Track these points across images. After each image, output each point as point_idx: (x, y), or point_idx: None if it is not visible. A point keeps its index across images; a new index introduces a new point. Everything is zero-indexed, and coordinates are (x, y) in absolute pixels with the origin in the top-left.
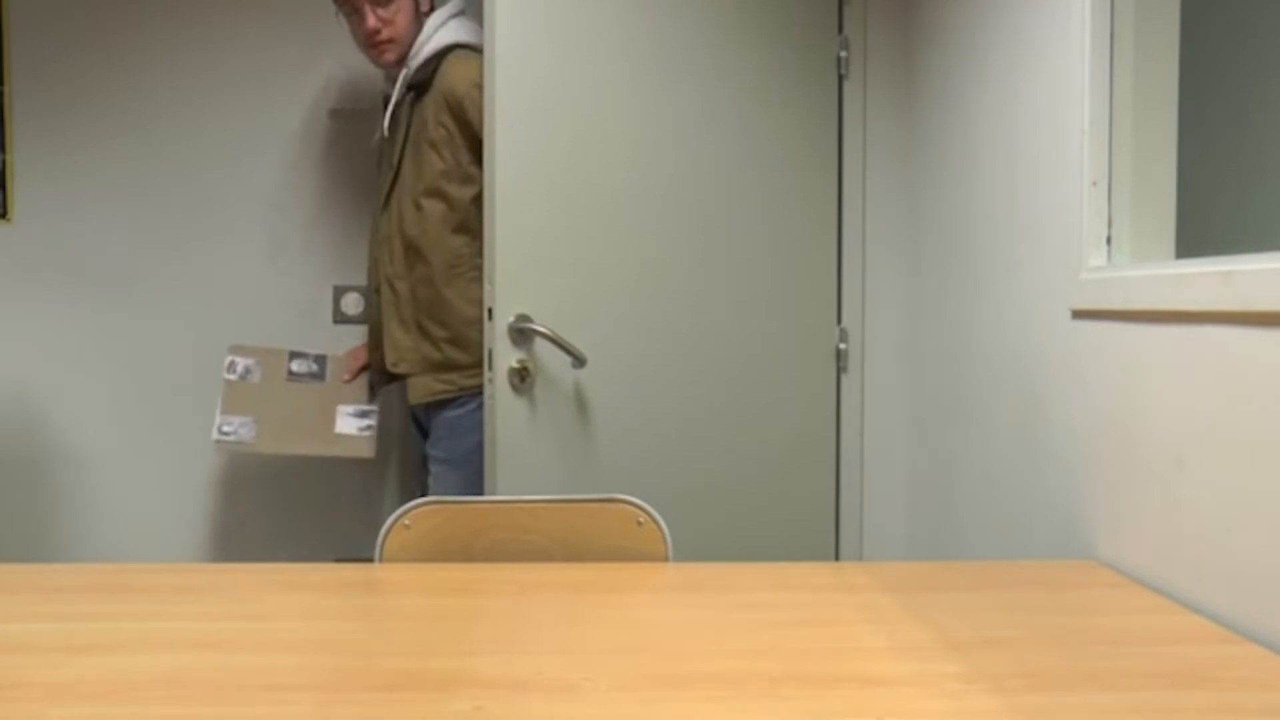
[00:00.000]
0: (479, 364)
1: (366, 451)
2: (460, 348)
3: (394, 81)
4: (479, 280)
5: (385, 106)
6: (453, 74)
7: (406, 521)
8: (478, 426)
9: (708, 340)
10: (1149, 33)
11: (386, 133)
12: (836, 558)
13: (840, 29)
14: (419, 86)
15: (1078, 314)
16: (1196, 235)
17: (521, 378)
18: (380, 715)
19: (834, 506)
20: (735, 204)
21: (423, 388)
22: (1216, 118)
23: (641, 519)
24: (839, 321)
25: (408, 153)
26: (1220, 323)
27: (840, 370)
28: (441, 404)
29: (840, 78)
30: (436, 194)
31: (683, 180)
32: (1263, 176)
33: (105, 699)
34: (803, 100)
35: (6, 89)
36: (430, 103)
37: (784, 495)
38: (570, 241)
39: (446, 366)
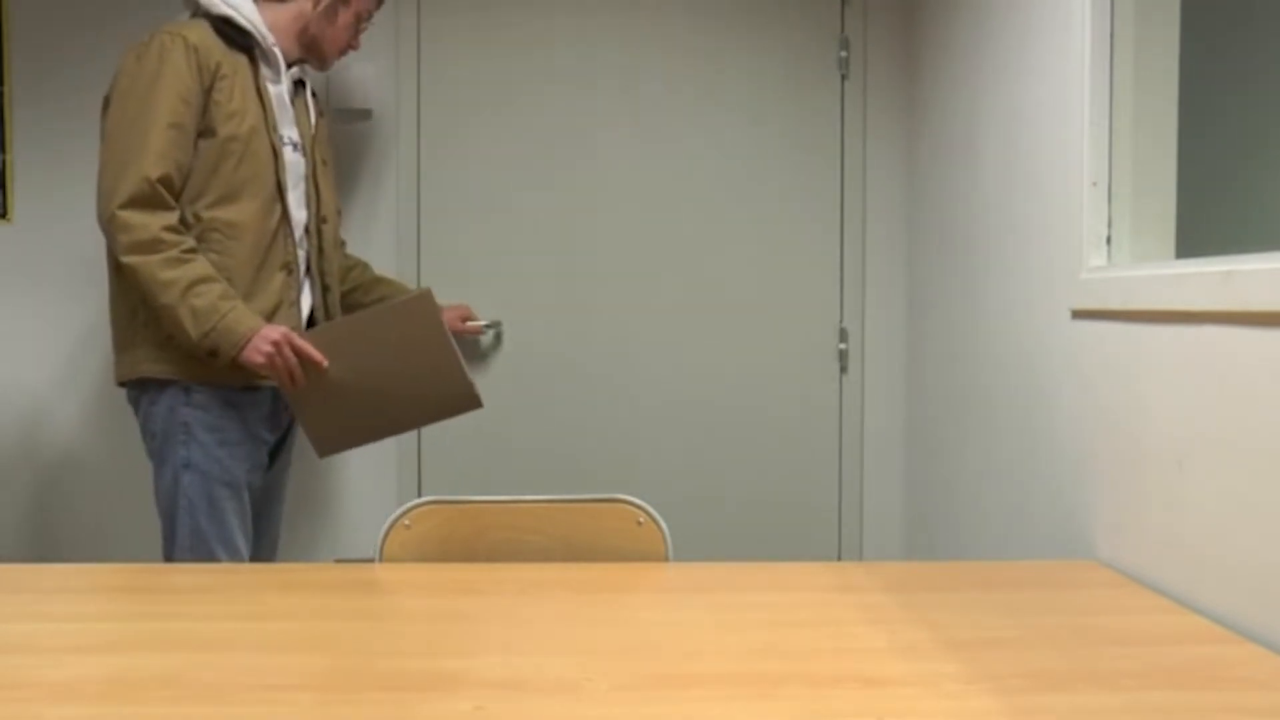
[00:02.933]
0: None
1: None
2: None
3: (268, 64)
4: None
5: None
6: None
7: (406, 521)
8: None
9: (708, 341)
10: (1149, 33)
11: (314, 127)
12: (837, 557)
13: (840, 29)
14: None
15: (1078, 314)
16: (1196, 235)
17: None
18: (380, 715)
19: (834, 506)
20: (736, 204)
21: None
22: (1216, 118)
23: (641, 519)
24: (839, 321)
25: (327, 159)
26: (1220, 323)
27: (840, 370)
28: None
29: (841, 78)
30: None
31: (683, 180)
32: (1263, 176)
33: (105, 699)
34: (803, 100)
35: (6, 89)
36: (326, 119)
37: (784, 495)
38: (553, 241)
39: None
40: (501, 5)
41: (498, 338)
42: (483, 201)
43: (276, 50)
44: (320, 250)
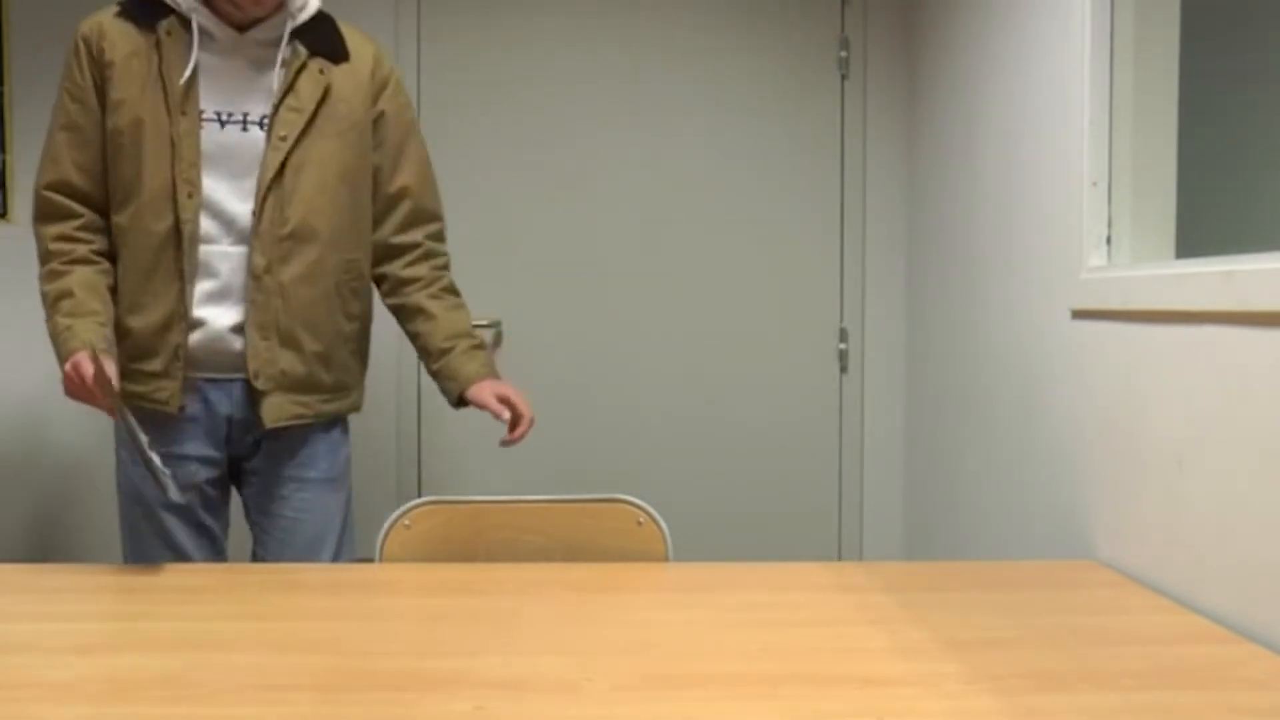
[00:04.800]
0: (342, 388)
1: (176, 496)
2: (325, 366)
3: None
4: (364, 292)
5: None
6: (380, 54)
7: (406, 522)
8: (347, 440)
9: (708, 341)
10: (1149, 33)
11: (279, 95)
12: (837, 557)
13: (840, 29)
14: (317, 51)
15: (1078, 314)
16: (1196, 235)
17: None
18: (380, 715)
19: (834, 507)
20: (736, 204)
21: (277, 409)
22: (1216, 118)
23: (641, 519)
24: (839, 321)
25: (318, 125)
26: (1220, 323)
27: (840, 370)
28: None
29: (841, 78)
30: (353, 181)
31: (683, 180)
32: (1263, 176)
33: (105, 699)
34: (803, 100)
35: (6, 89)
36: (357, 77)
37: (784, 494)
38: (553, 241)
39: (307, 387)
40: (501, 5)
41: (498, 338)
42: (483, 201)
43: (194, 16)
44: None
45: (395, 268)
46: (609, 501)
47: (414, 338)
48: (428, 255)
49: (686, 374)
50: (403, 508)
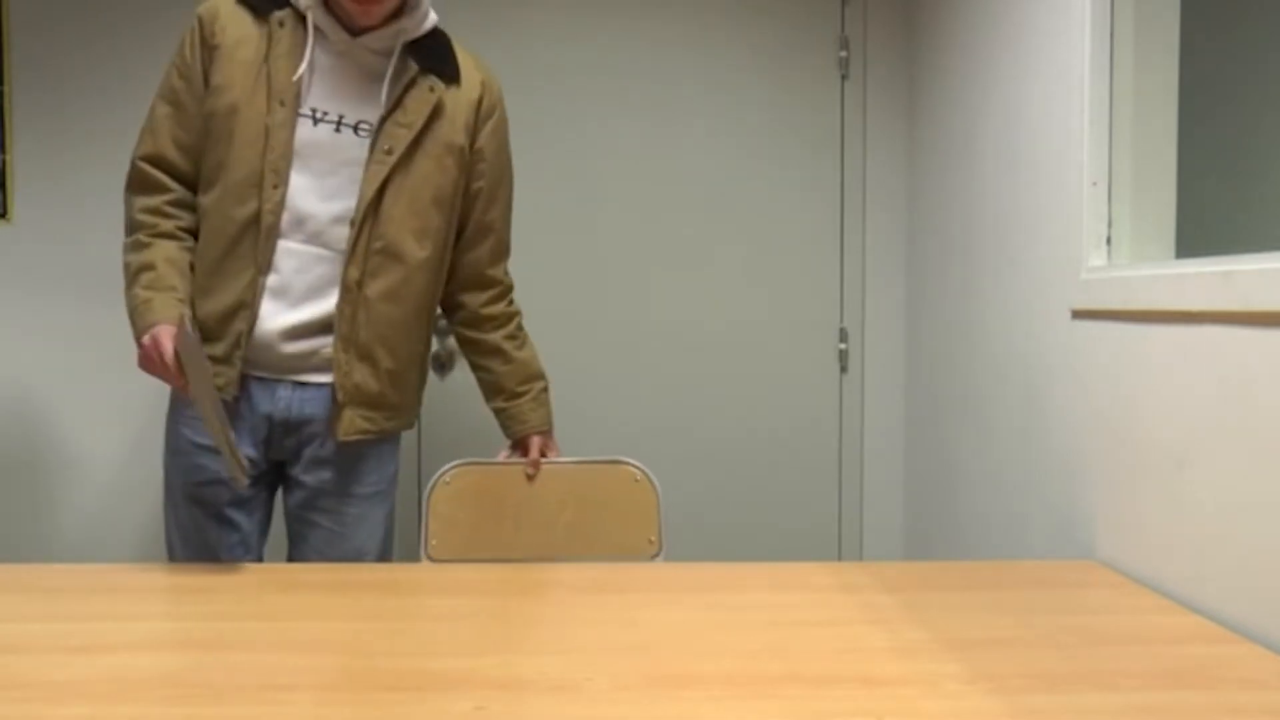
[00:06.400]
0: (405, 407)
1: (242, 477)
2: (395, 385)
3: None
4: (435, 316)
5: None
6: (489, 81)
7: (446, 479)
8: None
9: (708, 341)
10: (1149, 33)
11: (386, 108)
12: (837, 557)
13: (840, 29)
14: (429, 67)
15: (1078, 314)
16: (1196, 235)
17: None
18: (381, 715)
19: (834, 506)
20: (736, 204)
21: (349, 423)
22: (1216, 118)
23: (638, 477)
24: (839, 321)
25: (423, 145)
26: (1220, 323)
27: (840, 370)
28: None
29: (841, 78)
30: (443, 206)
31: (683, 180)
32: (1263, 176)
33: (105, 699)
34: (803, 100)
35: (6, 89)
36: (463, 100)
37: (784, 495)
38: (552, 240)
39: (377, 404)
40: (501, 5)
41: None
42: None
43: (311, 14)
44: (350, 256)
45: (476, 301)
46: (612, 463)
47: (485, 372)
48: (505, 293)
49: (685, 373)
50: (444, 467)
